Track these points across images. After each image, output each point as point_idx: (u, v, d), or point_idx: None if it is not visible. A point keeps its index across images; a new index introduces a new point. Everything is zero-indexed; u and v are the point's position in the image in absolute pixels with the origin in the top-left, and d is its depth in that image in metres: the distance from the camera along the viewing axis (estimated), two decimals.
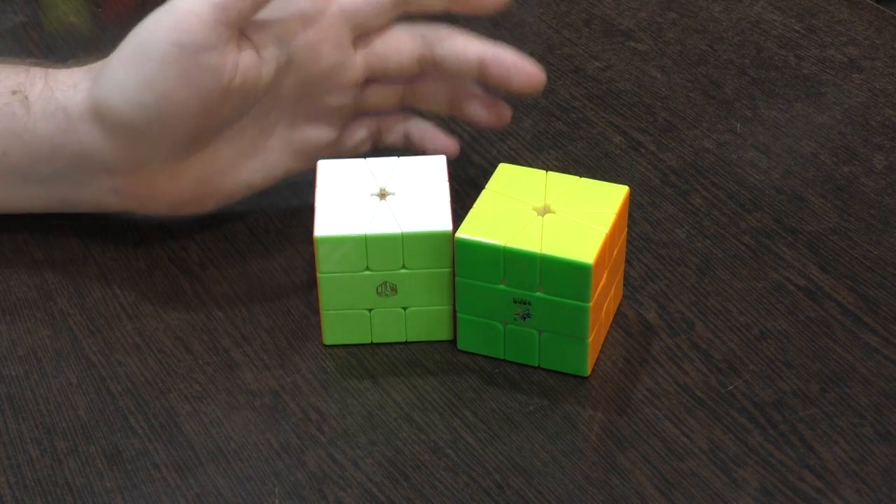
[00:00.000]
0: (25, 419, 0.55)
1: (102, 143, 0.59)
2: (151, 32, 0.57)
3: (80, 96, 0.59)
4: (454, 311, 0.58)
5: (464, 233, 0.55)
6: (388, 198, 0.57)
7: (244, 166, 0.62)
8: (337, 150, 0.65)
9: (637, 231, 0.64)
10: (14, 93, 0.60)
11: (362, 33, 0.63)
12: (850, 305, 0.60)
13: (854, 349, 0.58)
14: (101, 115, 0.59)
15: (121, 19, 0.83)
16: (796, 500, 0.51)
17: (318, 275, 0.56)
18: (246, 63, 0.58)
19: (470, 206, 0.57)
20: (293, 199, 0.67)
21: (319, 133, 0.64)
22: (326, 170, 0.59)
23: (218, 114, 0.59)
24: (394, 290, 0.57)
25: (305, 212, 0.65)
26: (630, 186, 0.58)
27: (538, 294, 0.55)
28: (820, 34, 0.80)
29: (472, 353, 0.58)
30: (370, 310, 0.57)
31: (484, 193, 0.57)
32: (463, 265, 0.55)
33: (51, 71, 0.61)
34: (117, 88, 0.58)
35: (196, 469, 0.53)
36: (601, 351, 0.58)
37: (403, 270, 0.56)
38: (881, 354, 0.57)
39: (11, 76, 0.61)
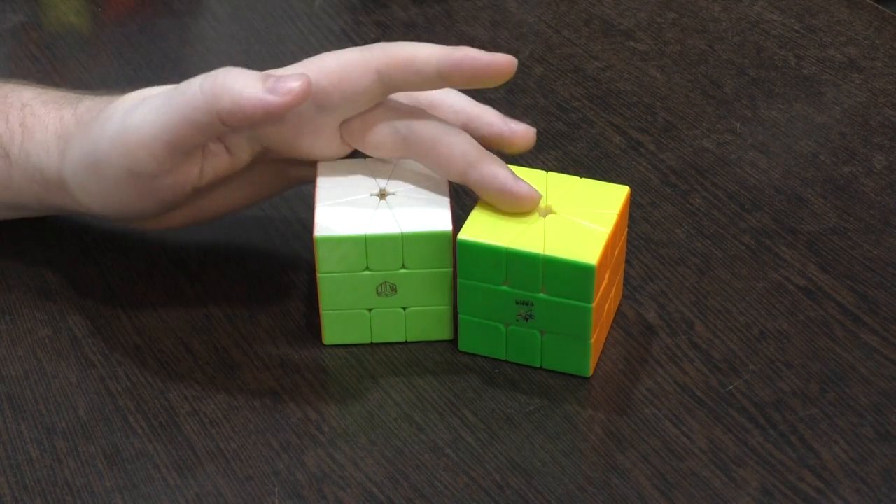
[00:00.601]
0: (25, 419, 0.55)
1: (85, 204, 0.59)
2: (107, 155, 0.56)
3: (53, 167, 0.59)
4: (454, 312, 0.58)
5: (466, 234, 0.55)
6: (387, 198, 0.57)
7: (232, 200, 0.62)
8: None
9: (637, 231, 0.64)
10: None
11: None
12: (850, 305, 0.60)
13: (854, 349, 0.58)
14: (72, 190, 0.58)
15: (121, 19, 0.83)
16: (796, 500, 0.51)
17: (318, 275, 0.56)
18: (214, 163, 0.58)
19: (470, 207, 0.57)
20: (293, 199, 0.67)
21: (301, 172, 0.62)
22: (326, 170, 0.59)
23: (190, 201, 0.59)
24: (394, 290, 0.57)
25: (305, 212, 0.66)
26: (630, 186, 0.58)
27: (540, 295, 0.55)
28: (820, 34, 0.80)
29: (473, 353, 0.58)
30: (370, 310, 0.57)
31: None
32: (465, 267, 0.55)
33: (28, 124, 0.60)
34: (80, 187, 0.58)
35: (196, 469, 0.53)
36: (601, 351, 0.58)
37: (403, 270, 0.56)
38: (881, 354, 0.57)
39: None
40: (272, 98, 0.52)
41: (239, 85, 0.53)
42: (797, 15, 0.82)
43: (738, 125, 0.72)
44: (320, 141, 0.58)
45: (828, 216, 0.65)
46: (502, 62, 0.55)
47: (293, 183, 0.63)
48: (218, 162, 0.58)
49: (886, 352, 0.58)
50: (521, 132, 0.58)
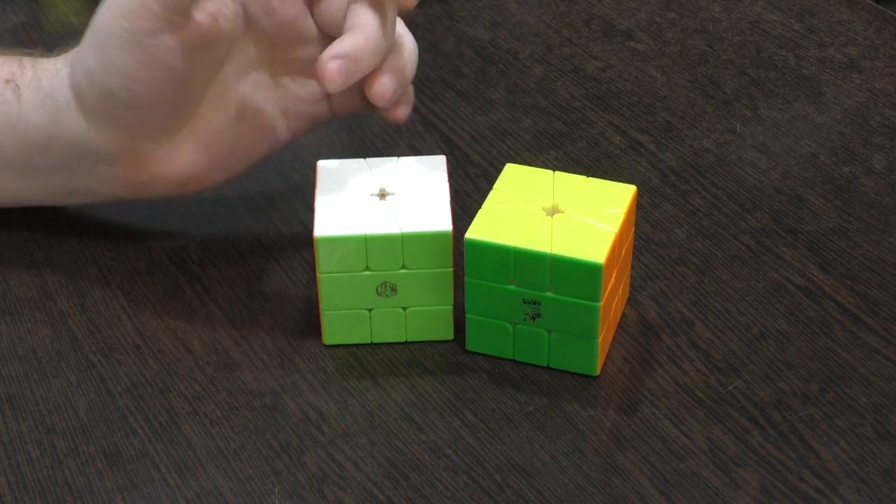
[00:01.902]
0: (25, 419, 0.55)
1: (90, 131, 0.59)
2: (106, 18, 0.57)
3: (63, 84, 0.59)
4: (454, 312, 0.58)
5: (473, 234, 0.55)
6: (387, 198, 0.57)
7: (238, 133, 0.61)
8: (330, 108, 0.63)
9: (637, 231, 0.64)
10: (7, 81, 0.61)
11: None
12: (850, 305, 0.60)
13: (854, 349, 0.58)
14: (79, 103, 0.59)
15: None
16: (796, 500, 0.51)
17: (318, 275, 0.56)
18: (204, 28, 0.57)
19: (470, 206, 0.57)
20: (293, 199, 0.67)
21: (302, 88, 0.62)
22: (326, 170, 0.59)
23: (189, 81, 0.58)
24: (394, 290, 0.57)
25: (305, 212, 0.65)
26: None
27: (548, 294, 0.55)
28: (819, 34, 0.80)
29: (472, 353, 0.58)
30: (370, 310, 0.57)
31: (492, 194, 0.57)
32: (472, 266, 0.55)
33: (38, 59, 0.61)
34: (86, 74, 0.58)
35: (196, 469, 0.53)
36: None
37: (403, 271, 0.56)
38: (881, 354, 0.57)
39: (5, 66, 0.61)
40: None
41: None
42: (797, 15, 0.82)
43: (738, 125, 0.72)
44: (289, 7, 0.59)
45: (828, 216, 0.65)
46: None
47: (293, 119, 0.62)
48: (207, 25, 0.57)
49: (886, 352, 0.58)
50: (329, 71, 0.57)
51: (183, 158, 0.60)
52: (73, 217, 0.66)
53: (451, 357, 0.58)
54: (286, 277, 0.62)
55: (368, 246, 0.56)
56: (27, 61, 0.62)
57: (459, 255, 0.56)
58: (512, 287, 0.55)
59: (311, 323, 0.59)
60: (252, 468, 0.53)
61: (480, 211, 0.56)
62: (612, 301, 0.56)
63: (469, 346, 0.58)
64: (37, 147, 0.61)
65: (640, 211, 0.66)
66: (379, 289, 0.57)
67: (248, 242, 0.64)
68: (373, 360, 0.58)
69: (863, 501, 0.51)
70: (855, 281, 0.61)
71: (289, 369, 0.57)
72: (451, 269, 0.56)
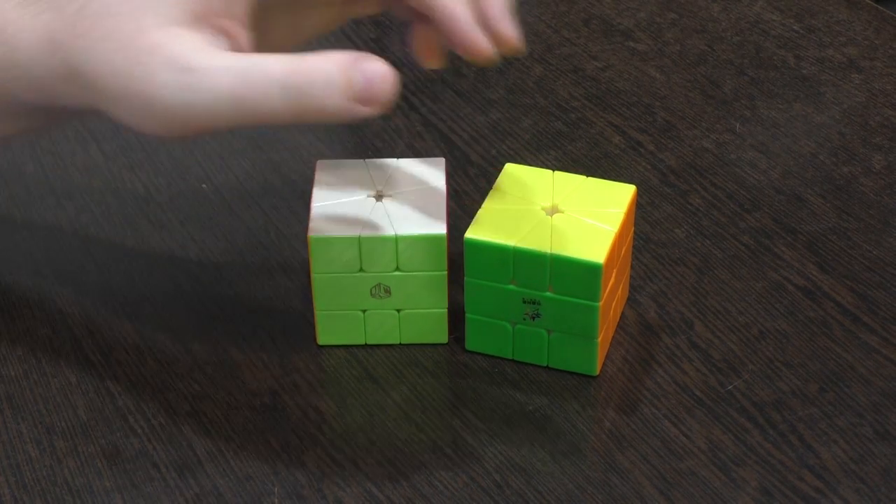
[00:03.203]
0: (25, 419, 0.55)
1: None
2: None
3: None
4: (448, 315, 0.58)
5: (473, 233, 0.55)
6: (384, 199, 0.57)
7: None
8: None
9: (637, 231, 0.64)
10: None
11: None
12: (850, 305, 0.60)
13: (853, 349, 0.58)
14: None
15: None
16: (796, 500, 0.51)
17: (312, 275, 0.56)
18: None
19: (469, 206, 0.57)
20: (293, 199, 0.67)
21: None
22: (325, 170, 0.59)
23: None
24: (387, 291, 0.57)
25: (305, 212, 0.65)
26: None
27: (548, 294, 0.55)
28: (819, 34, 0.80)
29: (472, 353, 0.58)
30: (364, 311, 0.57)
31: (491, 193, 0.57)
32: (472, 266, 0.55)
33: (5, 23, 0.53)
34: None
35: (196, 469, 0.53)
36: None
37: (397, 273, 0.56)
38: (880, 354, 0.58)
39: None
40: None
41: None
42: (796, 15, 0.82)
43: (738, 125, 0.72)
44: None
45: (827, 216, 0.65)
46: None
47: (309, 35, 0.58)
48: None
49: (886, 352, 0.58)
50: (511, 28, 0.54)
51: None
52: (72, 217, 0.66)
53: (451, 357, 0.58)
54: (286, 277, 0.62)
55: (362, 247, 0.56)
56: None
57: (459, 256, 0.56)
58: (511, 287, 0.55)
59: (310, 323, 0.59)
60: (252, 468, 0.53)
61: (480, 211, 0.56)
62: (611, 301, 0.56)
63: (469, 345, 0.58)
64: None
65: (640, 211, 0.66)
66: (373, 290, 0.57)
67: (248, 242, 0.64)
68: (372, 360, 0.58)
69: (862, 501, 0.51)
70: (854, 281, 0.61)
71: (288, 369, 0.57)
72: (446, 273, 0.56)
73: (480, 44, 0.53)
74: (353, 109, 0.49)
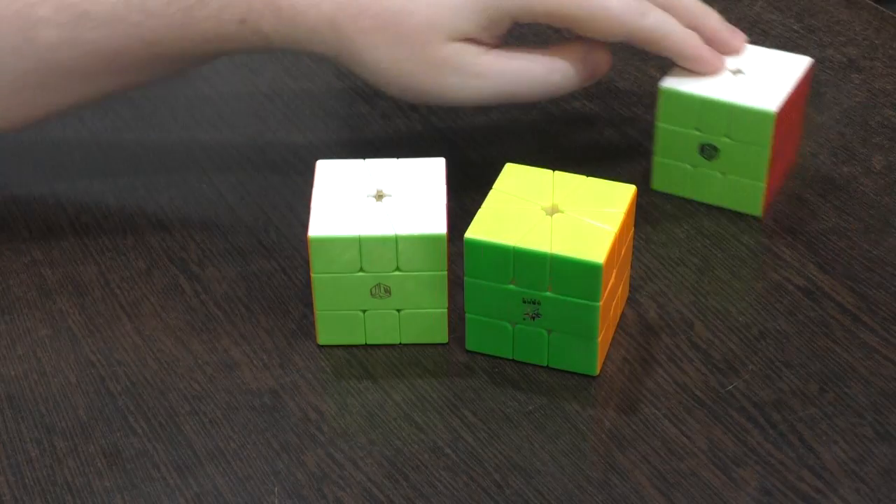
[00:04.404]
0: (25, 419, 0.55)
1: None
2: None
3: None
4: (448, 315, 0.58)
5: (473, 233, 0.55)
6: (384, 199, 0.57)
7: None
8: None
9: (637, 231, 0.64)
10: (242, 22, 0.61)
11: None
12: (849, 305, 0.60)
13: (853, 349, 0.58)
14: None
15: None
16: (796, 500, 0.51)
17: (312, 275, 0.56)
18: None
19: (469, 206, 0.57)
20: (293, 199, 0.67)
21: None
22: (325, 170, 0.59)
23: None
24: (387, 291, 0.57)
25: (305, 212, 0.65)
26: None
27: (547, 294, 0.55)
28: (819, 34, 0.80)
29: (472, 353, 0.58)
30: (364, 311, 0.57)
31: (491, 193, 0.57)
32: (472, 266, 0.55)
33: (283, 4, 0.61)
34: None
35: (196, 469, 0.53)
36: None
37: (397, 273, 0.56)
38: (880, 354, 0.58)
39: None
40: None
41: None
42: (797, 15, 0.82)
43: None
44: None
45: (827, 216, 0.65)
46: (718, 64, 0.65)
47: None
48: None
49: (886, 352, 0.58)
50: (738, 41, 0.67)
51: None
52: (73, 217, 0.66)
53: (452, 357, 0.58)
54: (286, 277, 0.62)
55: (362, 247, 0.56)
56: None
57: (459, 256, 0.56)
58: (511, 287, 0.55)
59: (310, 323, 0.59)
60: (252, 468, 0.53)
61: (480, 211, 0.56)
62: (611, 301, 0.56)
63: (469, 345, 0.58)
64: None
65: (640, 211, 0.66)
66: (373, 290, 0.57)
67: (248, 242, 0.64)
68: (372, 360, 0.58)
69: (862, 501, 0.51)
70: (854, 281, 0.61)
71: (288, 369, 0.57)
72: (446, 273, 0.56)
73: (718, 62, 0.65)
74: (581, 86, 0.65)
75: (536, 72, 0.63)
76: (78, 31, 0.60)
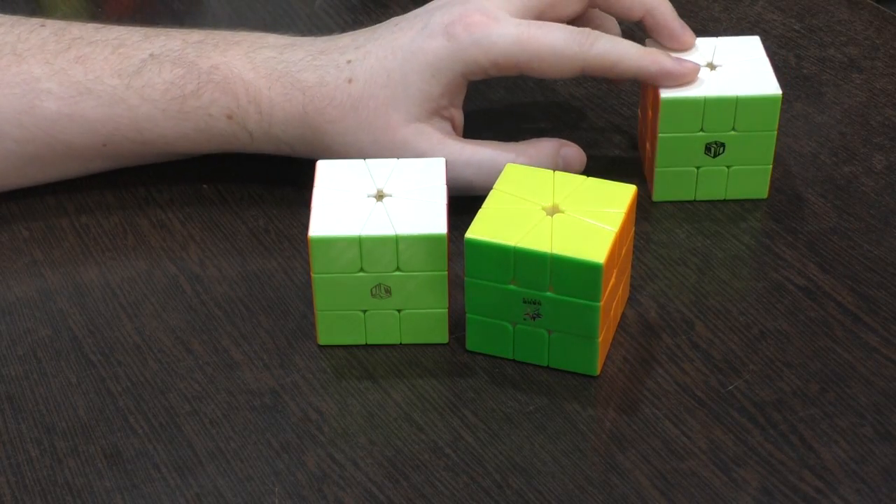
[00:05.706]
0: (25, 419, 0.55)
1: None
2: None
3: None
4: (449, 315, 0.58)
5: (473, 233, 0.55)
6: (384, 199, 0.57)
7: None
8: None
9: (637, 231, 0.64)
10: (229, 118, 0.64)
11: None
12: (850, 305, 0.60)
13: (854, 349, 0.58)
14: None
15: (121, 19, 0.83)
16: (796, 500, 0.51)
17: (313, 275, 0.56)
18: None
19: (470, 207, 0.57)
20: (293, 199, 0.67)
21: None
22: (325, 170, 0.59)
23: None
24: (388, 291, 0.57)
25: (305, 212, 0.65)
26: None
27: (548, 294, 0.55)
28: (820, 34, 0.80)
29: (472, 353, 0.58)
30: (365, 311, 0.57)
31: (492, 193, 0.57)
32: (473, 266, 0.55)
33: (263, 102, 0.63)
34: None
35: (196, 469, 0.53)
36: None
37: (397, 273, 0.56)
38: (881, 354, 0.57)
39: (219, 97, 0.64)
40: None
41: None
42: (797, 15, 0.82)
43: None
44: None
45: (828, 216, 0.65)
46: (686, 71, 0.63)
47: None
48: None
49: (886, 352, 0.58)
50: (689, 36, 0.66)
51: None
52: (73, 217, 0.66)
53: (451, 357, 0.58)
54: (286, 277, 0.62)
55: (363, 247, 0.56)
56: (242, 96, 0.64)
57: (459, 256, 0.56)
58: (512, 287, 0.55)
59: (310, 323, 0.59)
60: (252, 468, 0.53)
61: (480, 211, 0.56)
62: (612, 301, 0.56)
63: (469, 345, 0.58)
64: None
65: (640, 211, 0.66)
66: (373, 290, 0.57)
67: (248, 242, 0.64)
68: (372, 360, 0.58)
69: (863, 501, 0.51)
70: (855, 281, 0.61)
71: (289, 369, 0.57)
72: (446, 273, 0.56)
73: (687, 69, 0.63)
74: None
75: (503, 164, 0.60)
76: (79, 107, 0.63)
